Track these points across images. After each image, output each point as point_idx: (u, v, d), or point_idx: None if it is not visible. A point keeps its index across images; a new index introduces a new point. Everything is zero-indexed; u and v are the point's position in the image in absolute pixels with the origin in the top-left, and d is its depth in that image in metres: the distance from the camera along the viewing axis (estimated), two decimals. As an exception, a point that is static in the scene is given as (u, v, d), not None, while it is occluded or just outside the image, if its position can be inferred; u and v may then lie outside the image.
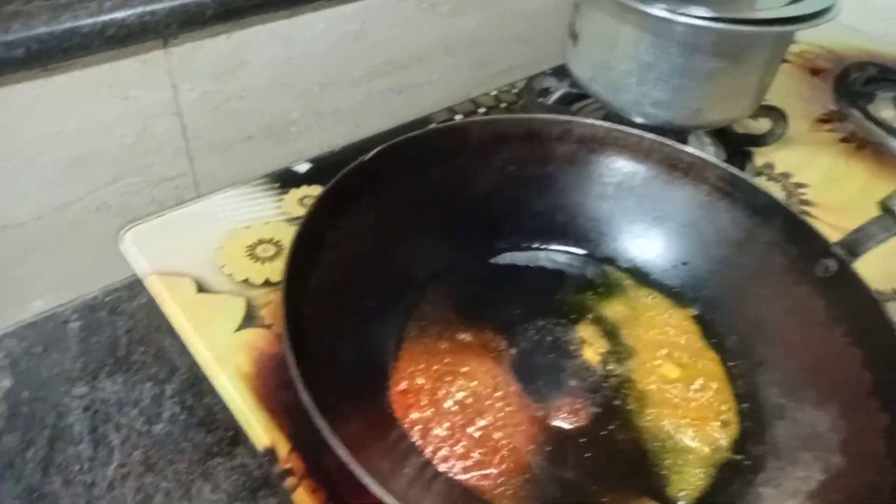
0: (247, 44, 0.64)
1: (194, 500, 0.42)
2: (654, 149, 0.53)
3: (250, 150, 0.71)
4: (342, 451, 0.31)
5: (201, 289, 0.53)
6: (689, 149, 0.52)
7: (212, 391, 0.47)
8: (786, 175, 0.70)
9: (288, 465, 0.43)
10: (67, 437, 0.44)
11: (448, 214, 0.51)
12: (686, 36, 0.58)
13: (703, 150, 0.71)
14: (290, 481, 0.43)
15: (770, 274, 0.48)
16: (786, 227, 0.48)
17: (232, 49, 0.63)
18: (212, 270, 0.54)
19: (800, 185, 0.69)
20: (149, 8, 0.53)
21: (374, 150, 0.47)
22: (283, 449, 0.44)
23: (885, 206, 0.45)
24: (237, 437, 0.46)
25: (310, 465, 0.43)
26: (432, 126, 0.51)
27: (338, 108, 0.76)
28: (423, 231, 0.50)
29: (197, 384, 0.49)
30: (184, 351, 0.49)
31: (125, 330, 0.52)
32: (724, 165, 0.51)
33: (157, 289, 0.52)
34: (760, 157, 0.72)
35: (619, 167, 0.53)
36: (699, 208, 0.52)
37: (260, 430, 0.45)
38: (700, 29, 0.56)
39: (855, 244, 0.45)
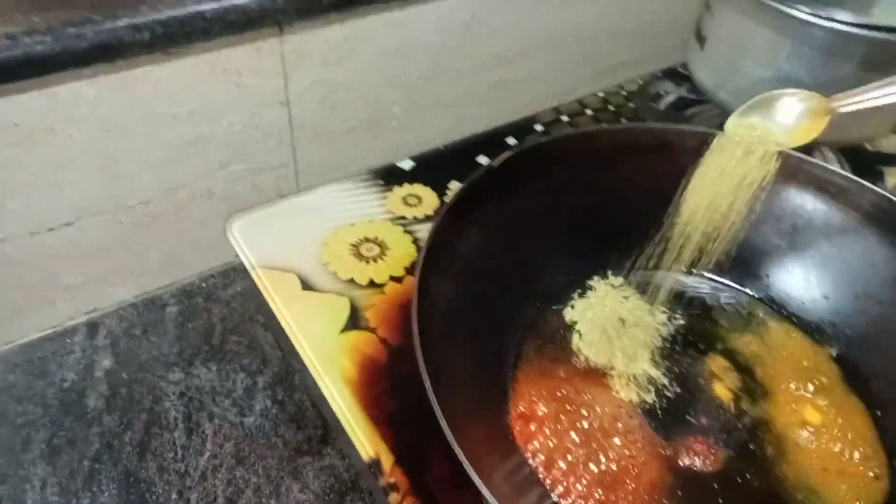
0: (360, 33, 0.62)
1: (283, 498, 0.42)
2: (801, 168, 0.48)
3: (351, 143, 0.70)
4: (466, 464, 0.28)
5: (306, 286, 0.51)
6: (840, 170, 0.48)
7: (302, 387, 0.47)
8: (922, 197, 0.65)
9: (392, 480, 0.42)
10: (163, 422, 0.44)
11: (572, 228, 0.48)
12: (831, 43, 0.53)
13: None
14: (393, 497, 0.42)
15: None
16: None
17: (344, 38, 0.62)
18: (316, 267, 0.53)
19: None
20: (269, -5, 0.52)
21: (504, 157, 0.44)
22: (387, 461, 0.42)
23: None
24: (326, 436, 0.45)
25: (413, 480, 0.41)
26: (563, 132, 0.48)
27: (439, 102, 0.74)
28: (545, 243, 0.47)
29: (288, 378, 0.48)
30: (276, 344, 0.49)
31: (220, 318, 0.52)
32: (883, 192, 0.46)
33: (264, 284, 0.51)
34: (893, 177, 0.66)
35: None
36: (846, 237, 0.47)
37: (364, 440, 0.43)
38: (848, 36, 0.51)
39: None
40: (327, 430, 0.45)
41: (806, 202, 0.49)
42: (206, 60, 0.54)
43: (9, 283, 0.56)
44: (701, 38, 0.63)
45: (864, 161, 0.67)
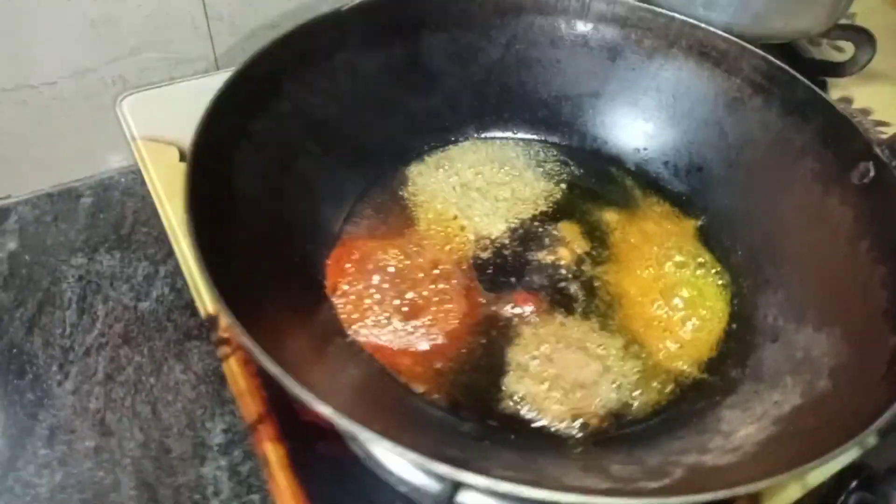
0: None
1: (163, 377, 0.42)
2: (684, 32, 0.45)
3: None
4: (248, 341, 0.27)
5: (185, 158, 0.51)
6: (725, 34, 0.44)
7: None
8: (865, 111, 0.60)
9: (225, 335, 0.42)
10: (57, 302, 0.45)
11: (439, 92, 0.46)
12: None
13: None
14: (223, 350, 0.41)
15: (796, 182, 0.40)
16: (825, 126, 0.40)
17: (260, -78, 0.61)
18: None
19: (880, 124, 0.59)
20: None
21: (350, 5, 0.43)
22: (224, 320, 0.42)
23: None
24: (217, 322, 0.45)
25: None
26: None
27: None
28: (406, 106, 0.45)
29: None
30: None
31: (133, 210, 0.52)
32: (764, 54, 0.43)
33: (141, 155, 0.51)
34: (837, 89, 0.61)
35: (641, 53, 0.46)
36: (726, 106, 0.44)
37: (206, 299, 0.43)
38: None
39: (903, 145, 0.37)
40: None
41: (688, 70, 0.46)
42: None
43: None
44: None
45: (808, 69, 0.62)
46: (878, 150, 0.37)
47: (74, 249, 0.48)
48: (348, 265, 0.39)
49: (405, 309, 0.37)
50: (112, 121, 0.60)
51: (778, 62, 0.43)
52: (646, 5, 0.46)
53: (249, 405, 0.37)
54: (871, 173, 0.37)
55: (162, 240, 0.48)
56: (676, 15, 0.46)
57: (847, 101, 0.61)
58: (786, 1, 0.53)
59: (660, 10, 0.46)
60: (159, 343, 0.43)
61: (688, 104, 0.46)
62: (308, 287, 0.38)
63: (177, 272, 0.47)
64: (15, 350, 0.42)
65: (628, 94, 0.47)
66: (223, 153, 0.35)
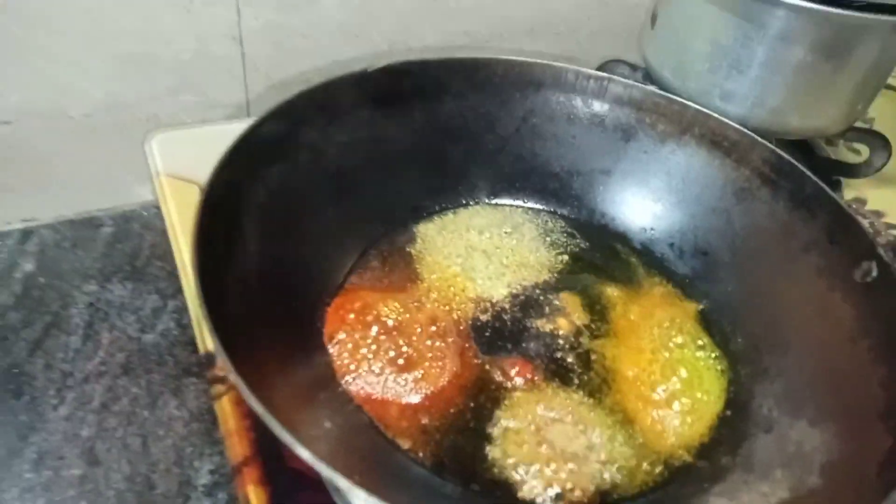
0: (320, -21, 0.64)
1: (157, 411, 0.42)
2: (697, 121, 0.47)
3: (307, 93, 0.71)
4: (236, 378, 0.27)
5: (203, 196, 0.52)
6: (736, 125, 0.45)
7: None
8: (878, 213, 0.61)
9: (221, 373, 0.42)
10: (64, 326, 0.45)
11: (454, 155, 0.48)
12: (773, 18, 0.51)
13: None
14: (217, 388, 0.42)
15: (800, 275, 0.41)
16: (831, 223, 0.41)
17: (302, -18, 0.64)
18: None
19: (893, 227, 0.59)
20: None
21: (376, 66, 0.45)
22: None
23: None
24: (216, 359, 0.45)
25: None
26: (455, 56, 0.47)
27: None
28: (422, 166, 0.47)
29: (199, 306, 0.48)
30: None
31: (150, 244, 0.53)
32: (773, 147, 0.44)
33: (163, 190, 0.52)
34: (851, 189, 0.62)
35: (654, 137, 0.48)
36: (734, 194, 0.45)
37: (207, 335, 0.43)
38: (792, 9, 0.49)
39: (907, 247, 0.37)
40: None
41: (700, 157, 0.47)
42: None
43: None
44: (653, 18, 0.62)
45: (822, 168, 0.63)
46: (881, 251, 0.37)
47: (88, 276, 0.49)
48: (348, 314, 0.39)
49: (400, 361, 0.38)
50: (140, 155, 0.62)
51: (787, 156, 0.44)
52: (661, 92, 0.48)
53: (236, 446, 0.37)
54: (874, 273, 0.37)
55: (174, 275, 0.49)
56: (690, 104, 0.47)
57: (861, 202, 0.62)
58: (802, 99, 0.55)
59: (675, 97, 0.47)
60: (158, 376, 0.43)
61: (697, 189, 0.46)
62: (306, 331, 0.38)
63: (184, 308, 0.47)
64: (16, 370, 0.42)
65: (639, 174, 0.48)
66: (236, 195, 0.37)
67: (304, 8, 0.66)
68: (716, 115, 0.46)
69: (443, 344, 0.38)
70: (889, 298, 0.36)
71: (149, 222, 0.54)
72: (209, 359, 0.44)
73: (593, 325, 0.42)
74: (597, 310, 0.43)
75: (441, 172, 0.48)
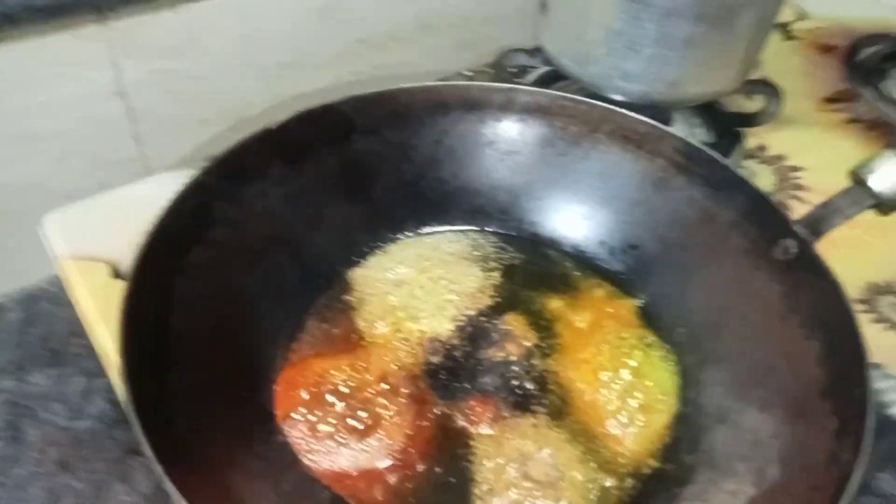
0: (196, 20, 0.61)
1: (107, 501, 0.39)
2: (605, 118, 0.47)
3: (206, 134, 0.68)
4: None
5: (118, 275, 0.50)
6: (642, 118, 0.46)
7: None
8: (780, 157, 0.63)
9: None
10: None
11: (375, 193, 0.47)
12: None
13: (691, 132, 0.64)
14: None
15: (727, 258, 0.42)
16: (746, 204, 0.42)
17: (180, 25, 0.61)
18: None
19: (794, 169, 0.62)
20: (78, -22, 0.51)
21: (288, 117, 0.43)
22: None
23: (856, 177, 0.39)
24: None
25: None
26: (357, 94, 0.46)
27: (303, 94, 0.72)
28: (343, 211, 0.46)
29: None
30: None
31: (65, 320, 0.50)
32: (681, 136, 0.45)
33: (68, 273, 0.49)
34: (753, 138, 0.65)
35: (568, 140, 0.48)
36: (652, 186, 0.46)
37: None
38: None
39: (819, 221, 0.39)
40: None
41: (613, 154, 0.47)
42: (18, 50, 0.53)
43: None
44: (544, 5, 0.62)
45: (726, 122, 0.65)
46: (796, 228, 0.39)
47: (2, 371, 0.46)
48: (299, 391, 0.38)
49: (360, 427, 0.37)
50: (35, 231, 0.58)
51: (695, 143, 0.45)
52: (566, 94, 0.48)
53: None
54: (794, 249, 0.39)
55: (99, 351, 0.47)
56: (596, 102, 0.48)
57: (762, 148, 0.65)
58: (697, 68, 0.56)
59: (580, 98, 0.48)
60: (100, 464, 0.41)
61: (616, 185, 0.47)
62: (257, 418, 0.37)
63: (116, 384, 0.45)
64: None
65: (560, 178, 0.49)
66: (156, 297, 0.35)
67: (187, 50, 0.63)
68: (622, 110, 0.47)
69: (400, 399, 0.38)
70: (810, 274, 0.37)
71: (57, 297, 0.51)
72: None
73: (542, 343, 0.43)
74: (542, 325, 0.44)
75: (365, 212, 0.47)
